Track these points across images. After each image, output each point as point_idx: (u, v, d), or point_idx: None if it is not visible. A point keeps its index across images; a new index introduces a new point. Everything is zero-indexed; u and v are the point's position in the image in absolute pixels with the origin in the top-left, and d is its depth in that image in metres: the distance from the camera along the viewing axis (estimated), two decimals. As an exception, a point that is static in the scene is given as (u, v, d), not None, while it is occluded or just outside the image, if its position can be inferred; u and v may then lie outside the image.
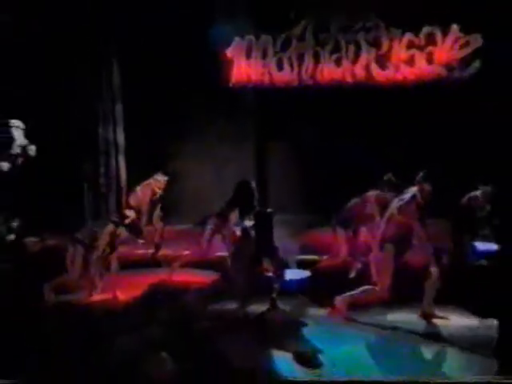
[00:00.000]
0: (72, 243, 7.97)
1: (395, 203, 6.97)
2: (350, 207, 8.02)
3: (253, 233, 7.41)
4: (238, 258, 7.54)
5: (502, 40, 8.84)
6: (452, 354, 6.20)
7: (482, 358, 5.96)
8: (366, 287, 7.02)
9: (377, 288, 6.96)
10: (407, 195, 6.91)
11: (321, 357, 5.88)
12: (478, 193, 8.43)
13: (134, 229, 8.17)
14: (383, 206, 7.26)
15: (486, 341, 6.32)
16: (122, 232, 8.00)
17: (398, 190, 7.35)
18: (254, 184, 7.78)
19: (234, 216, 7.65)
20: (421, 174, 6.91)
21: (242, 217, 7.58)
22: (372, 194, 7.76)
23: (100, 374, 5.07)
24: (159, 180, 8.82)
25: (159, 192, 8.80)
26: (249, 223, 7.48)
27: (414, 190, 6.90)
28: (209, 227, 7.88)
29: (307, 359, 5.86)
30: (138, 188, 8.80)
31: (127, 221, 7.97)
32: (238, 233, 7.46)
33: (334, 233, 8.13)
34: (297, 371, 5.76)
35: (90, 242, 7.91)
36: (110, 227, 7.88)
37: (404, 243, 6.92)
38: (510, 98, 8.45)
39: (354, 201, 7.99)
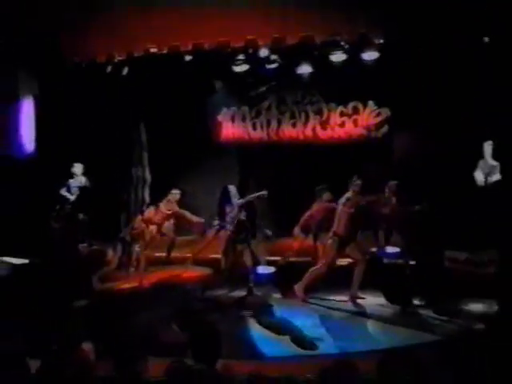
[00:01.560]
0: (113, 247, 7.94)
1: (341, 204, 6.83)
2: (306, 219, 7.60)
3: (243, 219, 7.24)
4: (228, 252, 7.34)
5: (402, 112, 9.07)
6: (369, 323, 6.22)
7: (388, 325, 6.02)
8: (311, 269, 6.92)
9: (318, 266, 6.86)
10: (346, 195, 6.81)
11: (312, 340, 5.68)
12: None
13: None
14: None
15: (391, 314, 6.38)
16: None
17: (331, 192, 7.28)
18: (231, 188, 7.67)
19: (229, 211, 7.42)
20: (353, 178, 6.85)
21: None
22: (317, 204, 7.48)
23: (128, 339, 4.97)
24: (174, 194, 8.26)
25: (175, 204, 8.27)
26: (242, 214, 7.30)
27: (350, 191, 6.80)
28: (215, 226, 7.68)
29: (302, 341, 5.65)
30: (162, 204, 8.22)
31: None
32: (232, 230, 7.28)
33: (294, 239, 7.81)
34: (267, 338, 5.70)
35: (129, 233, 7.87)
36: (139, 216, 8.08)
37: (347, 239, 6.80)
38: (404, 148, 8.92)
39: (308, 213, 7.57)
